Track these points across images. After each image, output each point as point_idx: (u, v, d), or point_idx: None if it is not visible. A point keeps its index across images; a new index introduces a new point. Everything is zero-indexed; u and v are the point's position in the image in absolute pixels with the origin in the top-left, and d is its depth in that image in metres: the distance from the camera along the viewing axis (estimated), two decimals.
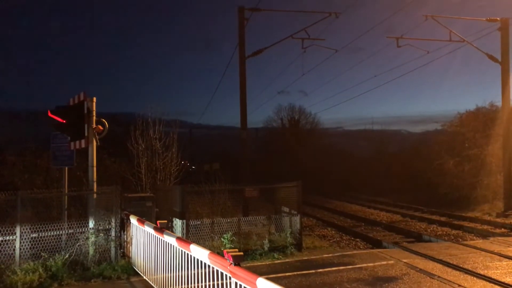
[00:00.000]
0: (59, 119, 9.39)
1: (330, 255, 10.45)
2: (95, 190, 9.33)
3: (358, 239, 14.82)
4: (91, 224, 8.88)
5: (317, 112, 67.13)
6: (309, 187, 27.76)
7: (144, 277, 7.71)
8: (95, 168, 9.46)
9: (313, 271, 8.69)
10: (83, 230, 8.80)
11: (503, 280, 7.79)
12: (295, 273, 8.59)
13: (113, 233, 8.98)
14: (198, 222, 10.43)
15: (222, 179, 14.69)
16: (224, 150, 52.09)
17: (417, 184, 28.01)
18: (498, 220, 17.12)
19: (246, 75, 17.15)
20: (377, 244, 13.57)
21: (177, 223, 10.42)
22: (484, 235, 14.20)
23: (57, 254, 8.30)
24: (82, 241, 8.63)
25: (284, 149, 46.01)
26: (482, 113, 24.65)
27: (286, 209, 11.49)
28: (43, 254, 8.21)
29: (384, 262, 9.34)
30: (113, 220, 9.02)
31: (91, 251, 8.66)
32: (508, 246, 10.89)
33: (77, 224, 8.83)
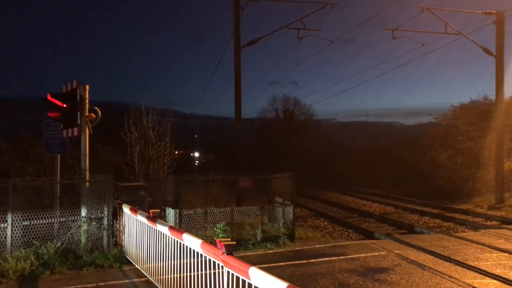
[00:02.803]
0: (60, 103, 9.22)
1: (323, 245, 10.50)
2: (87, 178, 9.27)
3: (350, 230, 14.91)
4: (83, 212, 8.84)
5: (311, 104, 66.90)
6: (303, 178, 27.82)
7: (137, 266, 7.71)
8: (87, 157, 9.40)
9: (305, 261, 8.73)
10: (75, 218, 8.74)
11: (493, 271, 7.87)
12: (288, 263, 8.62)
13: (105, 222, 8.94)
14: (191, 212, 10.41)
15: (216, 169, 14.70)
16: (218, 140, 52.03)
17: (410, 176, 28.14)
18: (490, 212, 17.27)
19: (241, 65, 17.02)
20: (369, 235, 13.67)
21: (170, 212, 10.40)
22: (476, 227, 14.33)
23: (49, 242, 8.27)
24: (74, 229, 8.59)
25: (279, 140, 45.97)
26: (476, 106, 24.71)
27: (280, 200, 11.49)
28: (34, 242, 8.17)
29: (376, 253, 9.39)
30: (105, 209, 8.98)
31: (83, 240, 8.63)
32: (499, 238, 10.99)
33: (69, 212, 8.77)
